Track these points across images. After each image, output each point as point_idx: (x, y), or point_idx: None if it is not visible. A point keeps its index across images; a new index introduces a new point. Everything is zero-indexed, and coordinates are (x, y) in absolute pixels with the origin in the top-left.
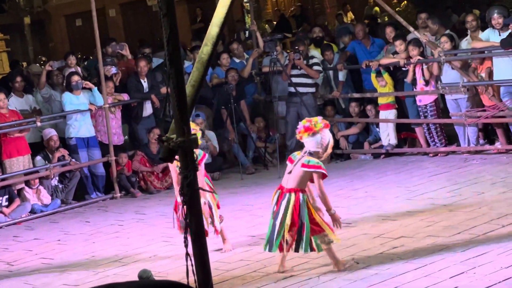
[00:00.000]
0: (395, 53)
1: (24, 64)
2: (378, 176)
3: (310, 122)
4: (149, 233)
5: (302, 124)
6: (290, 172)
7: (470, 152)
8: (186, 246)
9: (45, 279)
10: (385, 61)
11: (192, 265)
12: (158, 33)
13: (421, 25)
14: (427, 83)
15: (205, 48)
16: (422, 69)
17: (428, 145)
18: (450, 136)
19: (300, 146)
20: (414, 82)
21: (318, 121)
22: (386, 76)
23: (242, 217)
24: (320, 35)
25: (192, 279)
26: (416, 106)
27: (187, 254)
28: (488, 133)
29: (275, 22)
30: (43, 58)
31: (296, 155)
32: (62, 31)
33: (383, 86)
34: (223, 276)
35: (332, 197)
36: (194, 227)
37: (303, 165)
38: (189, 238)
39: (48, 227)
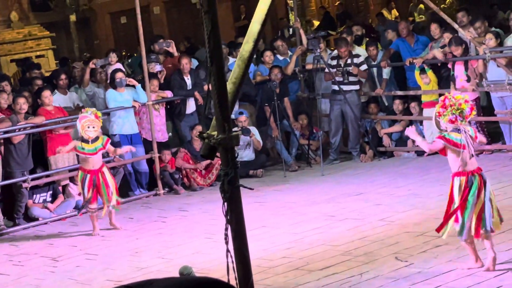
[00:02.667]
0: (443, 46)
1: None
2: (422, 174)
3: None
4: (192, 230)
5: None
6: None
7: None
8: (226, 243)
9: (89, 275)
10: (437, 54)
11: (232, 262)
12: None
13: (461, 24)
14: (468, 79)
15: (246, 45)
16: (465, 66)
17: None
18: (495, 134)
19: (344, 144)
20: (453, 78)
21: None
22: (430, 73)
23: (285, 214)
24: (359, 34)
25: (232, 276)
26: None
27: (228, 250)
28: None
29: (315, 22)
30: (88, 55)
31: (455, 136)
32: (107, 28)
33: (427, 84)
34: (265, 273)
35: (374, 194)
36: (235, 224)
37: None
38: (229, 235)
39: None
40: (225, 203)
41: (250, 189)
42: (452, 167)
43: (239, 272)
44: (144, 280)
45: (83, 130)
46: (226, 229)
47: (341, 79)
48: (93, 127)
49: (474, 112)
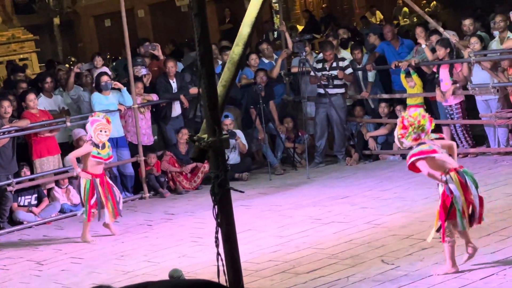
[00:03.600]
0: (434, 49)
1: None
2: (407, 177)
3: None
4: (178, 233)
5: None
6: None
7: (500, 153)
8: (217, 246)
9: (74, 279)
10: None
11: (223, 265)
12: (186, 34)
13: (467, 33)
14: (454, 83)
15: (236, 48)
16: (450, 71)
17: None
18: (479, 137)
19: (330, 147)
20: (438, 81)
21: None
22: (415, 77)
23: (271, 218)
24: (345, 37)
25: (222, 279)
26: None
27: (218, 253)
28: None
29: (299, 26)
30: (72, 59)
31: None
32: (91, 31)
33: (412, 87)
34: (251, 277)
35: (360, 197)
36: (225, 227)
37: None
38: (220, 238)
39: (78, 226)
40: (216, 206)
41: (241, 192)
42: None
43: (230, 275)
44: (139, 283)
45: (95, 134)
46: (217, 232)
47: (326, 83)
48: (105, 132)
49: (433, 124)
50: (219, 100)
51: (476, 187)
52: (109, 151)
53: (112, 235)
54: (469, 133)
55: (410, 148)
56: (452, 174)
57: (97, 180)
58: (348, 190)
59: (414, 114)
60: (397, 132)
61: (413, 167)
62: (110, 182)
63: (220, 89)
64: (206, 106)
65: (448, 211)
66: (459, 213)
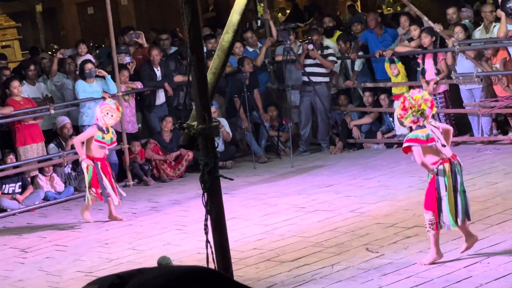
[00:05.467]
0: (411, 39)
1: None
2: (391, 165)
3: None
4: (162, 221)
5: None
6: (444, 145)
7: (484, 142)
8: (206, 233)
9: (59, 266)
10: (400, 49)
11: (212, 252)
12: (169, 22)
13: (452, 22)
14: (438, 72)
15: (226, 36)
16: (434, 60)
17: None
18: (463, 126)
19: (314, 135)
20: (423, 71)
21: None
22: (399, 65)
23: (255, 206)
24: (330, 25)
25: (211, 266)
26: None
27: (207, 241)
28: (501, 123)
29: (288, 11)
30: (55, 46)
31: (421, 134)
32: (74, 19)
33: (396, 75)
34: (236, 265)
35: (345, 186)
36: (214, 214)
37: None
38: (209, 225)
39: (62, 214)
40: (205, 194)
41: (230, 179)
42: (430, 161)
43: (219, 263)
44: (135, 269)
45: (101, 116)
46: (206, 219)
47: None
48: (112, 115)
49: (435, 109)
50: (208, 88)
51: (461, 183)
52: (113, 137)
53: (121, 220)
54: (452, 122)
55: (410, 128)
56: (446, 165)
57: (99, 164)
58: (333, 179)
59: (416, 97)
60: (397, 112)
61: (407, 150)
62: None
63: (210, 76)
64: (196, 93)
65: (435, 203)
66: (449, 212)
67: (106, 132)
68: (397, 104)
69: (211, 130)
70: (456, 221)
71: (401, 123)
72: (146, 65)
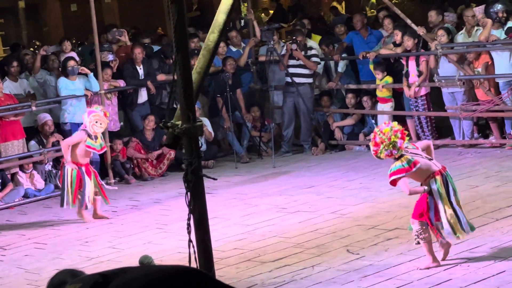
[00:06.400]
0: (395, 44)
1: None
2: (373, 167)
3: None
4: (143, 220)
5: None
6: (430, 159)
7: (465, 146)
8: (189, 232)
9: (38, 264)
10: (384, 51)
11: (194, 252)
12: (153, 21)
13: (432, 24)
14: (420, 74)
15: (212, 36)
16: (417, 62)
17: (418, 138)
18: (444, 129)
19: (296, 136)
20: (407, 74)
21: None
22: (388, 78)
23: (236, 206)
24: (309, 28)
25: (193, 266)
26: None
27: (190, 240)
28: (482, 127)
29: (271, 11)
30: (37, 43)
31: (402, 163)
32: (57, 16)
33: (380, 79)
34: (217, 264)
35: (326, 187)
36: (197, 214)
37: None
38: (192, 225)
39: (41, 212)
40: (188, 193)
41: (214, 179)
42: (422, 179)
43: (201, 262)
44: (118, 268)
45: (90, 125)
46: (189, 219)
47: (296, 62)
48: (101, 124)
49: (407, 138)
50: (193, 87)
51: (455, 194)
52: (102, 142)
53: (107, 218)
54: (433, 125)
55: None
56: (438, 178)
57: (83, 169)
58: (314, 180)
59: (385, 130)
60: (371, 149)
61: (394, 183)
62: (94, 170)
63: (195, 76)
64: (181, 92)
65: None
66: (448, 223)
67: (94, 139)
68: (380, 107)
69: (195, 130)
70: (457, 232)
71: (379, 158)
72: (128, 63)
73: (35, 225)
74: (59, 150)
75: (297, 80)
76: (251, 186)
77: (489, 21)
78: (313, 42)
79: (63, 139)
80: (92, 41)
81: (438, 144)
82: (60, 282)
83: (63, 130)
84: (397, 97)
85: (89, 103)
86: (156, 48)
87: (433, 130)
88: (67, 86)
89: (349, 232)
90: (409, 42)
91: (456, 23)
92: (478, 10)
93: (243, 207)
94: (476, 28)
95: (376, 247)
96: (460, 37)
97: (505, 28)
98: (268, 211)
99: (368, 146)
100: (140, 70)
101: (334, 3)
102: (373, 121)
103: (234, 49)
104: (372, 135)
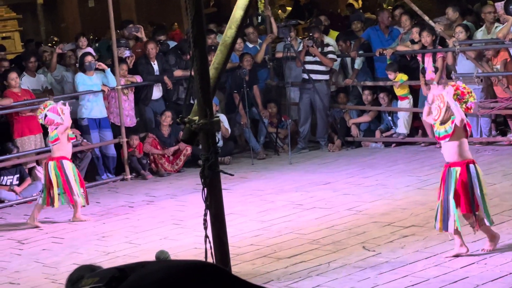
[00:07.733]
0: (413, 41)
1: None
2: (389, 164)
3: None
4: (159, 216)
5: None
6: None
7: (482, 143)
8: (205, 228)
9: (55, 258)
10: (401, 48)
11: (211, 247)
12: (169, 16)
13: (451, 20)
14: (436, 70)
15: (229, 31)
16: (433, 58)
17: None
18: None
19: (312, 133)
20: (423, 71)
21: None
22: (402, 76)
23: (252, 202)
24: (325, 24)
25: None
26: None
27: (206, 236)
28: (500, 124)
29: (288, 8)
30: (55, 39)
31: None
32: (74, 12)
33: (393, 79)
34: (233, 260)
35: (342, 184)
36: (214, 209)
37: None
38: (208, 220)
39: (59, 206)
40: (205, 189)
41: (231, 175)
42: (463, 154)
43: (217, 257)
44: (135, 262)
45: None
46: (205, 214)
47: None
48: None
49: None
50: (211, 83)
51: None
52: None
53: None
54: None
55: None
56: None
57: (64, 162)
58: (330, 176)
59: (464, 87)
60: (453, 98)
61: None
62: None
63: (212, 71)
64: (198, 88)
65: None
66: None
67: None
68: (400, 105)
69: (212, 125)
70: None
71: (443, 122)
72: (142, 58)
73: (52, 220)
74: (76, 145)
75: (314, 76)
76: (268, 182)
77: (511, 18)
78: (330, 39)
79: (80, 135)
80: (109, 36)
81: None
82: (79, 277)
83: (80, 125)
84: (415, 93)
85: (106, 99)
86: (172, 44)
87: None
88: (84, 81)
89: (365, 229)
90: (428, 38)
91: (456, 24)
92: (499, 5)
93: (259, 203)
94: (496, 25)
95: (392, 244)
96: (480, 34)
97: None
98: (284, 207)
99: (384, 143)
100: (155, 66)
101: (351, 0)
102: (389, 117)
103: (251, 45)
104: (454, 87)
